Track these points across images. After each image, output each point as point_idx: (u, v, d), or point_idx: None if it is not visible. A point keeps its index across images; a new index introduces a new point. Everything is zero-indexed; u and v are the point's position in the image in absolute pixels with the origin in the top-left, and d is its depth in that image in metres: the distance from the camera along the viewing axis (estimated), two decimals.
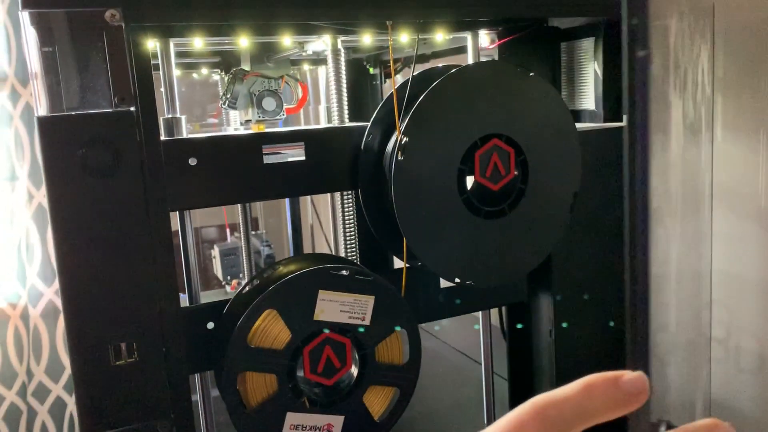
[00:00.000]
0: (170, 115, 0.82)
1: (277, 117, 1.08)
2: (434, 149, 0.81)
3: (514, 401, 1.09)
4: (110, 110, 0.66)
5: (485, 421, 1.06)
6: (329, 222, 1.10)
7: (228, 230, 2.17)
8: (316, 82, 1.56)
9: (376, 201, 0.87)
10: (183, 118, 0.83)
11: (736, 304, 1.16)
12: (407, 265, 0.89)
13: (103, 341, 0.68)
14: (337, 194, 0.93)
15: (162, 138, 0.75)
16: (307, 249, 1.80)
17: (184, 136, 0.80)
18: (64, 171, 0.65)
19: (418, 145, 0.79)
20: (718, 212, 1.18)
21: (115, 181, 0.67)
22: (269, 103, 1.07)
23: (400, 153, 0.78)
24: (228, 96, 1.06)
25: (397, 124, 0.80)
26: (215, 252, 1.78)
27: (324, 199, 1.54)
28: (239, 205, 1.52)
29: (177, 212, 0.85)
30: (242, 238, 1.58)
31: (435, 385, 1.20)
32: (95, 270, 0.67)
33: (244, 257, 1.59)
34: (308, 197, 1.67)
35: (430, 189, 0.81)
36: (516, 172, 0.85)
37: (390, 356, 0.83)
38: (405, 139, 0.78)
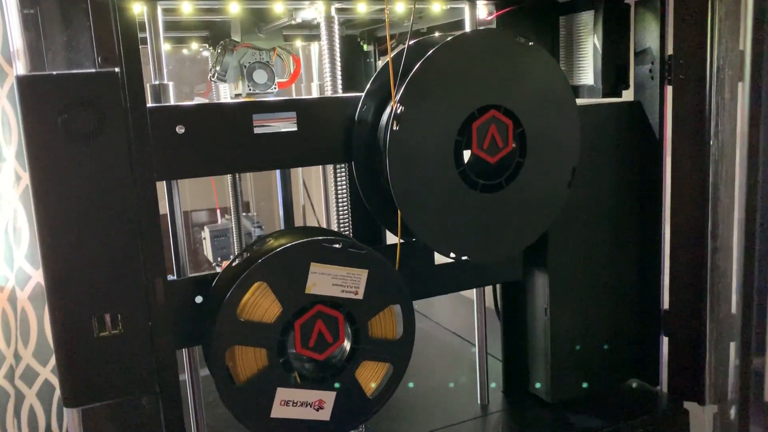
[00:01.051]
0: (157, 82, 0.79)
1: (269, 91, 1.05)
2: (430, 120, 0.78)
3: (508, 381, 1.08)
4: (93, 71, 0.64)
5: (479, 401, 1.04)
6: (321, 198, 1.08)
7: (219, 213, 2.14)
8: (309, 60, 1.53)
9: (370, 174, 0.84)
10: (170, 84, 0.80)
11: None
12: (401, 241, 0.87)
13: (87, 312, 0.65)
14: (330, 167, 0.90)
15: (149, 105, 0.73)
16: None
17: (172, 103, 0.78)
18: (45, 134, 0.62)
19: (414, 115, 0.77)
20: None
21: (98, 145, 0.65)
22: (260, 76, 1.04)
23: (395, 123, 0.76)
24: (217, 68, 1.03)
25: (392, 92, 0.78)
26: (205, 233, 1.75)
27: (316, 176, 1.51)
28: (230, 185, 1.49)
29: (165, 196, 0.82)
30: (232, 219, 1.56)
31: (429, 366, 1.18)
32: (78, 239, 0.65)
33: (235, 238, 1.56)
34: (300, 177, 1.64)
35: (426, 161, 0.79)
36: (514, 145, 0.83)
37: (383, 331, 0.81)
38: (400, 108, 0.76)
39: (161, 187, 0.75)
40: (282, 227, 1.71)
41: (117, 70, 0.64)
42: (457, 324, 1.36)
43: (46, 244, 0.64)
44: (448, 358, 1.24)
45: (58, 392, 1.56)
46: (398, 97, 0.76)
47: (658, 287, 1.04)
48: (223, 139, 0.77)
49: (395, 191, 0.78)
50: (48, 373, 1.56)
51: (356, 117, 0.83)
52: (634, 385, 1.08)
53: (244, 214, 1.71)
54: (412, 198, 0.79)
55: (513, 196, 0.84)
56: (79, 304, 0.65)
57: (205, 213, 2.47)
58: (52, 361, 1.54)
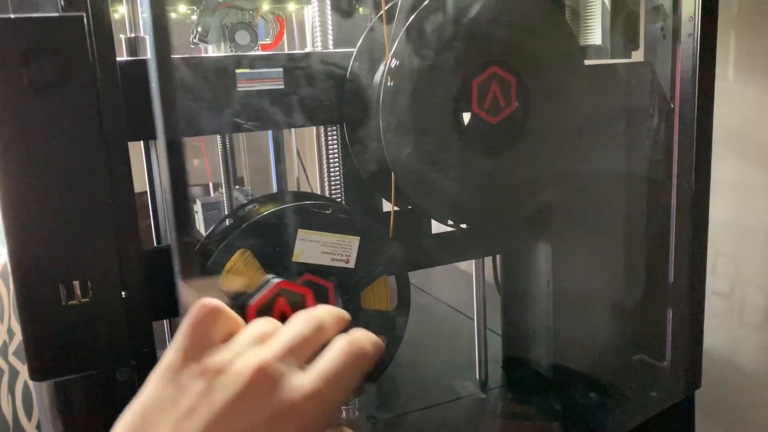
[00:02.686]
0: (133, 35, 0.73)
1: (251, 53, 0.99)
2: (427, 76, 0.73)
3: (508, 357, 1.03)
4: (56, 14, 0.58)
5: (477, 378, 1.00)
6: (315, 166, 1.02)
7: (212, 187, 2.08)
8: (302, 25, 1.46)
9: (363, 136, 0.79)
10: (148, 38, 0.74)
11: (743, 256, 1.10)
12: (397, 208, 0.82)
13: (54, 278, 0.60)
14: (321, 130, 0.85)
15: (122, 58, 0.67)
16: None
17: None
18: (4, 84, 0.57)
19: (410, 70, 0.71)
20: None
21: (63, 98, 0.59)
22: (242, 37, 0.98)
23: (388, 78, 0.71)
24: (199, 29, 0.97)
25: (386, 44, 0.72)
26: (197, 206, 1.70)
27: (311, 144, 1.46)
28: (220, 155, 1.44)
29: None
30: (224, 190, 1.51)
31: (426, 341, 1.14)
32: (43, 200, 0.59)
33: (227, 211, 1.51)
34: (294, 146, 1.58)
35: (422, 121, 0.73)
36: (517, 105, 0.77)
37: (376, 302, 0.76)
38: (395, 62, 0.70)
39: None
40: None
41: (83, 14, 0.59)
42: (456, 298, 1.31)
43: (7, 205, 0.59)
44: (447, 332, 1.20)
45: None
46: (393, 49, 0.70)
47: (665, 259, 0.99)
48: (203, 97, 0.72)
49: (389, 153, 0.72)
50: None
51: (348, 74, 0.78)
52: (640, 360, 1.03)
53: (237, 187, 1.66)
54: (407, 161, 0.74)
55: (515, 159, 0.79)
56: (45, 270, 0.60)
57: (200, 189, 2.42)
58: None
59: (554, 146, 0.81)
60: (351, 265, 0.74)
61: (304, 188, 1.79)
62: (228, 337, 0.39)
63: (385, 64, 0.72)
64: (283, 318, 0.66)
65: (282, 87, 0.76)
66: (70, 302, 0.61)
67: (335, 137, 0.85)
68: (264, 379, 0.35)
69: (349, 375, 0.38)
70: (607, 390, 0.98)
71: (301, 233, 0.71)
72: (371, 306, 0.76)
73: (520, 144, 0.79)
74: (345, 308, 0.74)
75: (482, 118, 0.75)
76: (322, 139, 0.86)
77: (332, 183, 0.86)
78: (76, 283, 0.61)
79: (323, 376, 0.37)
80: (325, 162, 0.86)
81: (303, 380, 0.36)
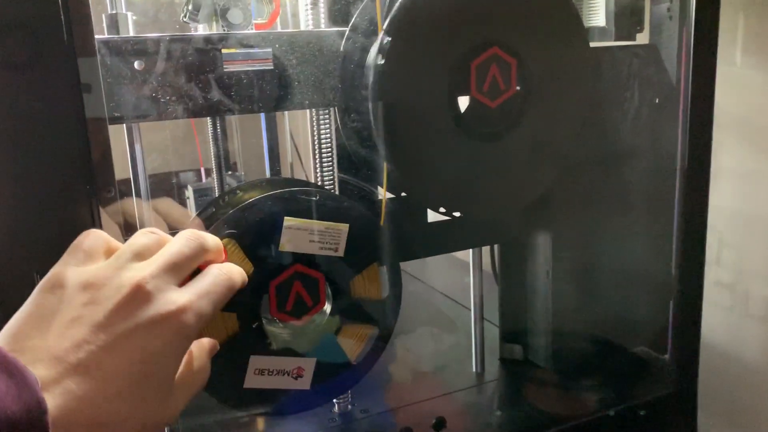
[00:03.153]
0: (114, 11, 0.70)
1: (241, 32, 0.95)
2: (422, 55, 0.69)
3: (505, 348, 1.01)
4: None
5: (474, 369, 0.97)
6: (309, 151, 0.99)
7: (204, 173, 2.05)
8: (295, 4, 1.42)
9: (355, 119, 0.76)
10: (129, 15, 0.70)
11: (749, 247, 1.07)
12: (390, 195, 0.78)
13: (28, 268, 0.57)
14: (314, 114, 0.81)
15: (101, 36, 0.64)
16: None
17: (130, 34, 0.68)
18: None
19: (403, 48, 0.68)
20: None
21: (37, 78, 0.56)
22: (235, 16, 0.94)
23: (380, 56, 0.67)
24: (189, 7, 0.93)
25: (378, 20, 0.69)
26: (189, 192, 1.67)
27: (305, 125, 1.43)
28: (210, 139, 1.40)
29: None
30: (215, 176, 1.47)
31: (420, 331, 1.11)
32: (11, 189, 0.56)
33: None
34: (287, 130, 1.54)
35: (417, 103, 0.70)
36: (518, 88, 0.74)
37: (367, 291, 0.73)
38: (387, 39, 0.67)
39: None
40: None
41: None
42: (452, 287, 1.28)
43: None
44: (442, 323, 1.17)
45: None
46: (385, 25, 0.67)
47: (669, 249, 0.96)
48: (189, 76, 0.68)
49: (381, 138, 0.69)
50: None
51: (341, 53, 0.74)
52: (641, 352, 1.01)
53: (229, 173, 1.63)
54: (401, 146, 0.71)
55: (515, 145, 0.76)
56: (17, 258, 0.57)
57: (192, 174, 2.38)
58: None
59: (555, 131, 0.78)
60: (340, 253, 0.71)
61: (298, 174, 1.76)
62: (110, 253, 0.44)
63: (378, 43, 0.69)
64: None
65: (271, 68, 0.72)
66: None
67: (328, 121, 0.81)
68: (141, 294, 0.40)
69: (219, 296, 0.45)
70: (606, 381, 0.96)
71: (288, 221, 0.68)
72: (361, 295, 0.73)
73: (519, 129, 0.75)
74: (334, 298, 0.72)
75: (481, 101, 0.72)
76: (314, 123, 0.82)
77: (325, 169, 0.83)
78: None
79: (197, 293, 0.43)
80: (317, 147, 0.83)
81: (177, 296, 0.42)
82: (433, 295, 1.29)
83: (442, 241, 0.86)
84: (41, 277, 0.58)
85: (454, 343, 1.06)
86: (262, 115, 1.31)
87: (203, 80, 0.67)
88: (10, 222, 0.57)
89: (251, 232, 0.67)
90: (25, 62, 0.55)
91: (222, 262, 0.50)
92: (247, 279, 0.51)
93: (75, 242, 0.44)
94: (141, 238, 0.46)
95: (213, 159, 1.40)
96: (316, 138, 0.83)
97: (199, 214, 0.74)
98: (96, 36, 0.58)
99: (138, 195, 0.73)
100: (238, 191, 0.74)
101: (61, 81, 0.56)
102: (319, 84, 0.72)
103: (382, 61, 0.67)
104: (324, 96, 0.72)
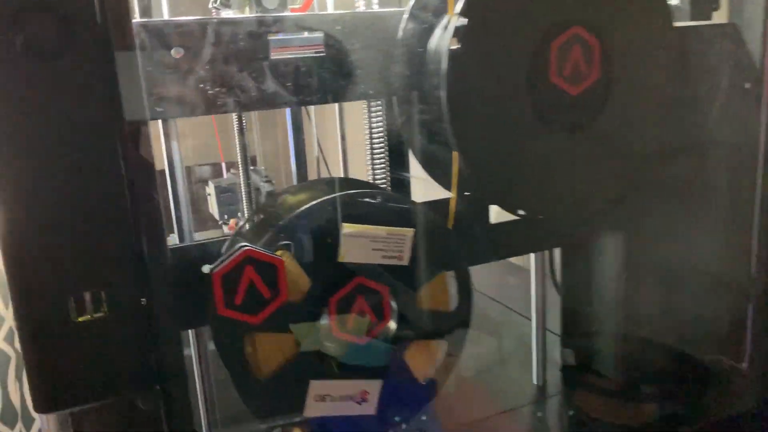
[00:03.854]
0: None
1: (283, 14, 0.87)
2: (500, 37, 0.61)
3: (568, 354, 0.93)
4: None
5: (535, 382, 0.89)
6: (337, 146, 0.91)
7: (224, 167, 1.97)
8: None
9: (417, 110, 0.68)
10: None
11: None
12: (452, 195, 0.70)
13: (60, 290, 0.50)
14: (356, 106, 0.73)
15: (139, 19, 0.56)
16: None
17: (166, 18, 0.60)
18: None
19: (480, 30, 0.59)
20: None
21: (67, 67, 0.48)
22: (270, 0, 0.86)
23: (455, 40, 0.59)
24: None
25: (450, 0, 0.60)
26: (210, 188, 1.59)
27: (332, 120, 1.35)
28: (236, 132, 1.32)
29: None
30: (240, 172, 1.39)
31: (476, 342, 1.03)
32: (42, 192, 0.48)
33: (243, 194, 1.40)
34: (313, 124, 1.45)
35: (493, 91, 0.62)
36: (601, 73, 0.65)
37: (435, 302, 0.65)
38: (463, 21, 0.58)
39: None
40: (295, 182, 1.54)
41: None
42: (504, 293, 1.20)
43: (2, 203, 0.48)
44: (497, 332, 1.09)
45: (13, 363, 1.43)
46: (460, 6, 0.58)
47: (748, 252, 0.87)
48: (232, 67, 0.60)
49: (454, 129, 0.61)
50: (1, 341, 1.42)
51: (399, 37, 0.66)
52: (718, 363, 0.92)
53: (252, 168, 1.55)
54: (474, 138, 0.62)
55: (595, 138, 0.67)
56: (50, 279, 0.49)
57: (208, 168, 2.30)
58: (4, 329, 1.39)
59: (639, 121, 0.69)
60: (405, 262, 0.63)
61: (323, 171, 1.67)
62: None
63: (447, 24, 0.60)
64: (251, 287, 0.55)
65: (323, 54, 0.64)
66: (80, 318, 0.50)
67: (380, 112, 0.73)
68: None
69: None
70: (677, 394, 0.88)
71: (347, 228, 0.60)
72: (430, 307, 0.65)
73: (601, 119, 0.67)
74: (400, 312, 0.64)
75: (561, 88, 0.64)
76: (365, 116, 0.74)
77: (377, 166, 0.75)
78: (87, 294, 0.50)
79: None
80: (369, 142, 0.75)
81: None
82: (483, 301, 1.21)
83: (508, 243, 0.78)
84: (77, 303, 0.50)
85: (509, 350, 0.98)
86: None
87: (257, 69, 0.59)
88: (36, 238, 0.49)
89: (308, 241, 0.59)
90: (52, 50, 0.47)
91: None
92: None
93: None
94: None
95: (238, 153, 1.32)
96: (368, 132, 0.75)
97: (244, 223, 0.66)
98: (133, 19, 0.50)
99: (175, 194, 0.65)
100: (286, 194, 0.66)
101: (94, 70, 0.48)
102: (384, 71, 0.64)
103: (458, 47, 0.58)
104: (389, 85, 0.64)
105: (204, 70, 0.57)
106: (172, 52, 0.58)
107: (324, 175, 1.65)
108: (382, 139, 0.74)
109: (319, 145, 1.64)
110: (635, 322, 0.85)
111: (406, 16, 0.66)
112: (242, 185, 1.33)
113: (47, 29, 0.47)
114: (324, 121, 1.61)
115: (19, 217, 0.48)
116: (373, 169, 0.75)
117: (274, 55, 0.62)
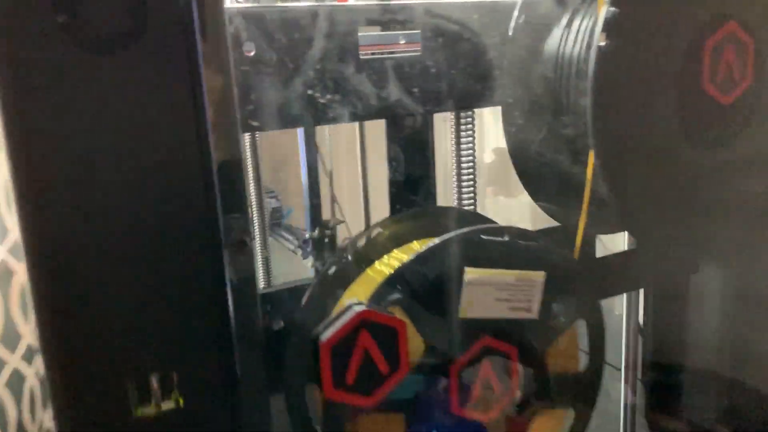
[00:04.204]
0: None
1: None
2: (651, 34, 0.49)
3: (655, 416, 0.81)
4: None
5: None
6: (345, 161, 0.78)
7: None
8: None
9: (529, 119, 0.55)
10: None
11: None
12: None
13: (117, 373, 0.35)
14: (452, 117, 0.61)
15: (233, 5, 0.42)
16: (325, 203, 1.38)
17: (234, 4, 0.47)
18: (35, 41, 0.32)
19: (630, 24, 0.47)
20: None
21: (135, 62, 0.34)
22: None
23: (604, 35, 0.47)
24: None
25: None
26: None
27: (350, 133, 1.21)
28: (249, 155, 1.18)
29: None
30: (252, 188, 1.24)
31: None
32: (96, 232, 0.34)
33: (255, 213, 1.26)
34: (327, 136, 1.31)
35: (640, 99, 0.50)
36: (753, 80, 0.54)
37: (564, 363, 0.53)
38: (613, 11, 0.47)
39: None
40: (306, 198, 1.36)
41: None
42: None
43: (30, 236, 0.34)
44: None
45: (29, 383, 1.25)
46: None
47: None
48: (314, 67, 0.47)
49: (596, 141, 0.48)
50: (18, 360, 1.24)
51: (510, 32, 0.54)
52: None
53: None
54: (618, 153, 0.50)
55: (739, 155, 0.56)
56: (102, 357, 0.35)
57: None
58: (21, 347, 1.21)
59: None
60: (534, 314, 0.50)
61: (325, 192, 1.51)
62: None
63: (582, 16, 0.49)
64: (366, 355, 0.42)
65: (419, 53, 0.52)
66: (143, 411, 0.36)
67: (470, 123, 0.61)
68: None
69: None
70: None
71: (469, 274, 0.47)
72: (558, 369, 0.53)
73: (746, 133, 0.56)
74: (526, 377, 0.51)
75: (712, 96, 0.52)
76: (455, 131, 0.62)
77: (463, 190, 0.62)
78: (154, 378, 0.36)
79: None
80: (456, 162, 0.62)
81: None
82: None
83: (618, 279, 0.66)
84: (139, 391, 0.36)
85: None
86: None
87: (377, 70, 0.46)
88: (79, 291, 0.35)
89: (423, 293, 0.45)
90: (120, 39, 0.34)
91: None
92: None
93: None
94: None
95: (251, 178, 1.18)
96: (454, 150, 0.62)
97: (328, 267, 0.52)
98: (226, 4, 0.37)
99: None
100: (379, 229, 0.53)
101: (173, 67, 0.35)
102: (522, 73, 0.51)
103: (606, 43, 0.46)
104: (530, 89, 0.52)
105: (314, 70, 0.43)
106: (243, 47, 0.45)
107: (334, 191, 1.49)
108: (471, 158, 0.62)
109: (321, 158, 1.49)
110: (743, 365, 0.74)
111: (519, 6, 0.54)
112: (256, 217, 1.19)
113: (112, 13, 0.33)
114: (337, 133, 1.47)
115: (54, 263, 0.34)
116: (459, 194, 0.63)
117: (363, 54, 0.49)
